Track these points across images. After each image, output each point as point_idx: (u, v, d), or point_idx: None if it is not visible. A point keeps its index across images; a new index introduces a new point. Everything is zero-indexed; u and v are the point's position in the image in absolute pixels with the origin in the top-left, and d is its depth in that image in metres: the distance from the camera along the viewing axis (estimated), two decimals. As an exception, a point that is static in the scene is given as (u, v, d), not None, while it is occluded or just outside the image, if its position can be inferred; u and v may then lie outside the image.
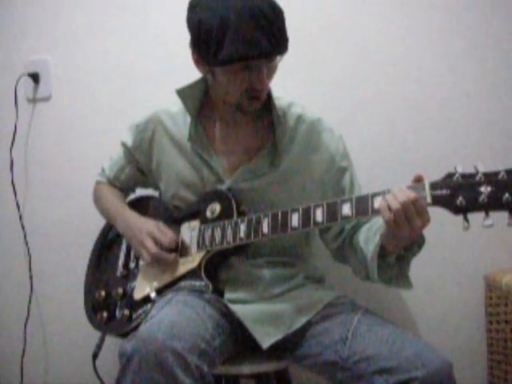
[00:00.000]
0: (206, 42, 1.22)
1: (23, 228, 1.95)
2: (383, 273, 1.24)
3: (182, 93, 1.38)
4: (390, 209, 1.10)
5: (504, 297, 1.53)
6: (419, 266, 1.69)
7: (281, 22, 1.24)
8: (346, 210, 1.18)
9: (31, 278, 1.94)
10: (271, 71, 1.29)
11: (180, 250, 1.38)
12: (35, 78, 1.93)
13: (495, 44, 1.64)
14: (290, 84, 1.66)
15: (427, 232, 1.68)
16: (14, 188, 1.94)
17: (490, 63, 1.64)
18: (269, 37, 1.19)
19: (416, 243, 1.22)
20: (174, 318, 1.16)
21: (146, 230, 1.37)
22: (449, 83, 1.66)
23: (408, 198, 1.08)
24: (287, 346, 1.30)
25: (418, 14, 1.67)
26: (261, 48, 1.19)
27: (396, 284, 1.26)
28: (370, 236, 1.28)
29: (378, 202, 1.13)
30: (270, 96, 1.37)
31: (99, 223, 1.61)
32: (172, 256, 1.35)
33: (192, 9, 1.26)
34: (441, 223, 1.57)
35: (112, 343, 1.49)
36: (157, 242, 1.35)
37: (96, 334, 1.47)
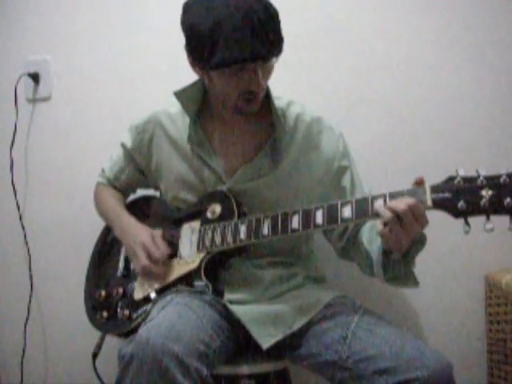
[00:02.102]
0: (199, 45, 1.21)
1: (23, 228, 1.95)
2: (389, 272, 1.24)
3: (180, 95, 1.38)
4: (384, 223, 1.10)
5: (504, 297, 1.53)
6: (419, 266, 1.69)
7: (275, 23, 1.22)
8: (347, 212, 1.17)
9: (31, 277, 1.94)
10: (267, 72, 1.28)
11: (180, 250, 1.38)
12: (35, 78, 1.93)
13: (496, 45, 1.64)
14: (290, 84, 1.66)
15: (427, 232, 1.68)
16: (14, 188, 1.94)
17: (491, 64, 1.64)
18: (262, 39, 1.18)
19: (418, 241, 1.21)
20: (173, 320, 1.16)
21: (140, 241, 1.36)
22: (449, 84, 1.66)
23: (403, 209, 1.07)
24: (287, 346, 1.29)
25: (418, 13, 1.67)
26: (253, 51, 1.18)
27: (403, 283, 1.25)
28: (373, 236, 1.29)
29: (377, 205, 1.13)
30: (269, 96, 1.37)
31: (99, 223, 1.61)
32: (161, 271, 1.34)
33: (185, 12, 1.25)
34: (441, 223, 1.57)
35: (112, 343, 1.49)
36: (149, 255, 1.34)
37: (96, 334, 1.47)
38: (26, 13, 1.95)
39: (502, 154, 1.62)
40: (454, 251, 1.66)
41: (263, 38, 1.18)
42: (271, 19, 1.20)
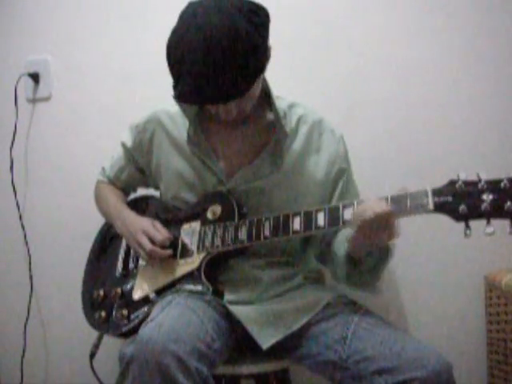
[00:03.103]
0: (170, 68, 1.21)
1: (23, 228, 1.95)
2: (352, 278, 1.28)
3: None
4: (360, 217, 1.12)
5: (504, 297, 1.53)
6: (420, 266, 1.69)
7: (244, 59, 1.13)
8: (348, 214, 1.18)
9: (31, 277, 1.94)
10: (241, 102, 1.23)
11: (180, 251, 1.38)
12: (35, 78, 1.93)
13: (496, 45, 1.63)
14: (290, 84, 1.66)
15: (427, 232, 1.68)
16: (14, 188, 1.94)
17: (490, 64, 1.64)
18: (220, 84, 1.13)
19: (386, 257, 1.24)
20: (173, 321, 1.16)
21: (141, 228, 1.37)
22: (449, 84, 1.66)
23: (382, 211, 1.10)
24: (287, 346, 1.30)
25: (418, 14, 1.67)
26: (209, 96, 1.16)
27: (363, 290, 1.30)
28: (342, 239, 1.30)
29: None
30: (269, 97, 1.36)
31: (99, 223, 1.61)
32: (167, 252, 1.35)
33: (173, 30, 1.22)
34: (441, 223, 1.57)
35: (111, 343, 1.49)
36: (151, 239, 1.35)
37: (95, 332, 1.47)
38: (26, 13, 1.95)
39: (503, 155, 1.62)
40: (454, 252, 1.66)
41: (223, 81, 1.13)
42: (238, 55, 1.13)
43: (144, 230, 1.37)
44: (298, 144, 1.39)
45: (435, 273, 1.67)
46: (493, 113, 1.64)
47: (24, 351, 1.94)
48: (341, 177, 1.40)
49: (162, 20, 1.81)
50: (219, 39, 1.12)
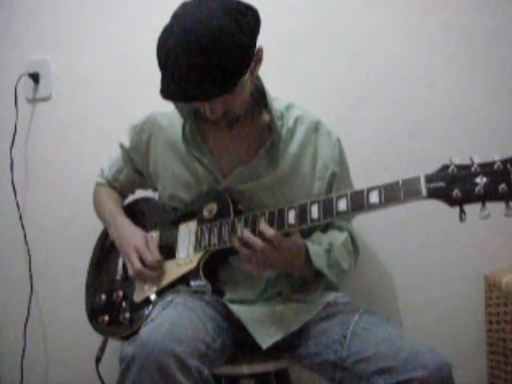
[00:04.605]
0: (158, 65, 1.20)
1: (23, 228, 1.95)
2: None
3: None
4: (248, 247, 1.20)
5: (504, 297, 1.53)
6: (420, 266, 1.69)
7: (226, 59, 1.13)
8: (342, 205, 1.17)
9: (31, 277, 1.94)
10: (227, 100, 1.23)
11: (178, 251, 1.38)
12: (35, 78, 1.93)
13: (491, 43, 1.63)
14: (287, 84, 1.66)
15: (427, 232, 1.68)
16: (13, 188, 1.94)
17: (485, 63, 1.64)
18: (202, 84, 1.13)
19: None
20: (174, 321, 1.16)
21: (134, 245, 1.37)
22: (445, 83, 1.66)
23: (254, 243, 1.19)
24: (287, 346, 1.29)
25: (415, 14, 1.67)
26: (192, 95, 1.16)
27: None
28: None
29: (373, 197, 1.13)
30: (266, 98, 1.36)
31: (99, 223, 1.61)
32: (154, 275, 1.35)
33: (163, 28, 1.23)
34: (441, 223, 1.57)
35: (114, 345, 1.49)
36: (142, 259, 1.35)
37: (95, 334, 1.47)
38: (26, 13, 1.95)
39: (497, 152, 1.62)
40: (453, 251, 1.66)
41: (203, 80, 1.13)
42: (219, 54, 1.13)
43: (136, 247, 1.37)
44: (295, 145, 1.38)
45: (435, 272, 1.67)
46: (494, 113, 1.64)
47: (24, 351, 1.94)
48: (334, 181, 1.40)
49: (162, 20, 1.81)
50: (200, 37, 1.12)
